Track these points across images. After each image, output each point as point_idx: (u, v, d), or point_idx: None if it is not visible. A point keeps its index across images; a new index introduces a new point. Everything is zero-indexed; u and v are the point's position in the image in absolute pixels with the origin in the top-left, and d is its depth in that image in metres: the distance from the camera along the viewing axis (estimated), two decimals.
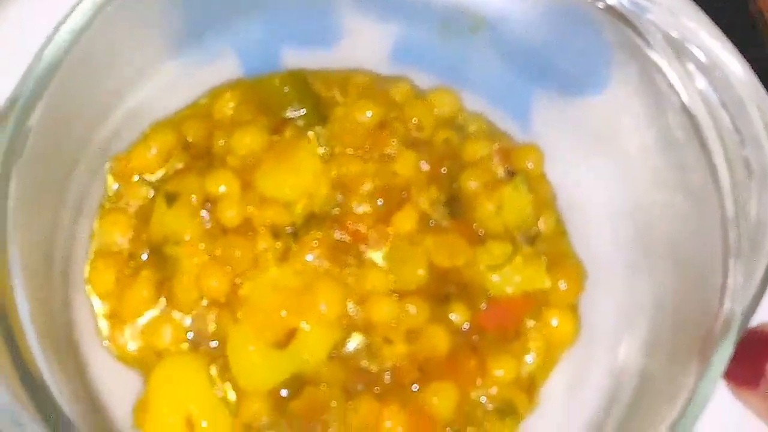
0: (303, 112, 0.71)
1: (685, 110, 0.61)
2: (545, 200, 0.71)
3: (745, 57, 0.62)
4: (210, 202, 0.67)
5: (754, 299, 0.59)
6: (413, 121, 0.71)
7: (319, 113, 0.70)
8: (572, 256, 0.70)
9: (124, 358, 0.66)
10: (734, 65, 0.62)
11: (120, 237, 0.68)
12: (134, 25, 0.65)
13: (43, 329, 0.57)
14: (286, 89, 0.71)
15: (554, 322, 0.68)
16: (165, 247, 0.66)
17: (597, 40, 0.65)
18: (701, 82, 0.61)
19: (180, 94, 0.71)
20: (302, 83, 0.71)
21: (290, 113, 0.71)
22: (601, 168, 0.70)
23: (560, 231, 0.71)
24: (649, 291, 0.66)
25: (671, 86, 0.61)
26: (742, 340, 0.56)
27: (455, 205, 0.69)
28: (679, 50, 0.62)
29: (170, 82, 0.70)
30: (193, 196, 0.67)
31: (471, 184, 0.69)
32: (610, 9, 0.63)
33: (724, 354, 0.56)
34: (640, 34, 0.62)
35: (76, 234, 0.67)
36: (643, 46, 0.62)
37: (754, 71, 0.62)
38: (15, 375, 0.54)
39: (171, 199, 0.67)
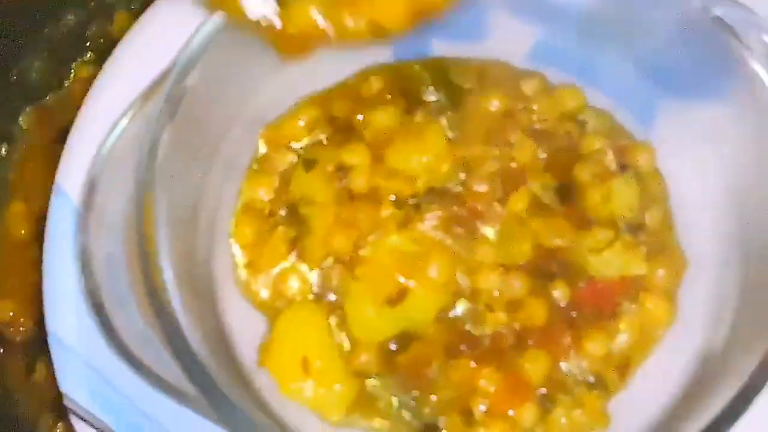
0: (439, 97, 0.77)
1: None
2: (655, 195, 0.75)
3: None
4: (343, 170, 0.74)
5: None
6: (538, 113, 0.76)
7: (453, 99, 0.77)
8: (675, 248, 0.74)
9: (256, 303, 0.74)
10: None
11: (264, 195, 0.75)
12: None
13: (184, 273, 0.64)
14: (425, 75, 0.78)
15: (649, 307, 0.72)
16: (300, 207, 0.74)
17: (710, 50, 0.69)
18: None
19: (330, 73, 0.78)
20: (440, 71, 0.78)
21: (427, 97, 0.77)
22: (711, 169, 0.73)
23: (667, 225, 0.75)
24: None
25: None
26: None
27: (566, 192, 0.74)
28: None
29: (321, 61, 0.76)
30: (328, 164, 0.75)
31: (583, 174, 0.74)
32: (718, 20, 0.67)
33: None
34: (744, 44, 0.66)
35: (224, 191, 0.75)
36: (747, 56, 0.66)
37: None
38: (151, 310, 0.62)
39: (309, 165, 0.75)
